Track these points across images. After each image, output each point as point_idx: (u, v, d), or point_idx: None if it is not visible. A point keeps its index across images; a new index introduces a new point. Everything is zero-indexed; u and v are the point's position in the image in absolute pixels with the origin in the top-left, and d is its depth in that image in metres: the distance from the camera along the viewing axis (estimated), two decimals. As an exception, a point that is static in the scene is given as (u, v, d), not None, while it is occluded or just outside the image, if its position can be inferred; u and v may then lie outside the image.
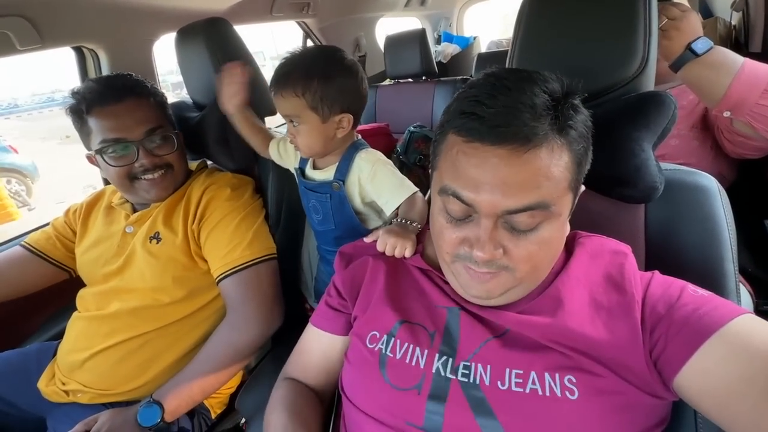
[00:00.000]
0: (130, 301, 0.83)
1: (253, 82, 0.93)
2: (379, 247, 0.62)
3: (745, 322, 0.40)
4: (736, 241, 0.55)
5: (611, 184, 0.61)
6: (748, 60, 0.77)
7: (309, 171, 0.88)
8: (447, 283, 0.54)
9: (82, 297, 0.90)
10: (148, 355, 0.82)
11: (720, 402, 0.39)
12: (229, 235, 0.84)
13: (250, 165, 1.00)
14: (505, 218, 0.43)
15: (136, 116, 0.81)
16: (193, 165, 0.99)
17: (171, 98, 1.00)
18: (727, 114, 0.85)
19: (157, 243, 0.84)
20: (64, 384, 0.82)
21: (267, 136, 0.95)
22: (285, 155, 0.92)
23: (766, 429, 0.35)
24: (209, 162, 1.05)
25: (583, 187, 0.50)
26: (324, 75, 0.73)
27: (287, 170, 0.97)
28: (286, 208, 0.98)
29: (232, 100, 0.89)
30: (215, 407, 0.89)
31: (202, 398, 0.79)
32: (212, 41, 0.94)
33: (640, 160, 0.57)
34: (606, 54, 0.62)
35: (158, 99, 0.89)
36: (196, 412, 0.84)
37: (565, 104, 0.43)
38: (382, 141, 1.64)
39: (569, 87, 0.45)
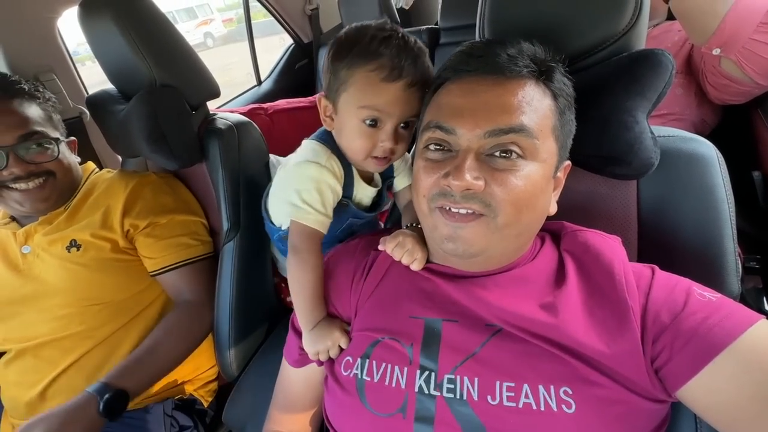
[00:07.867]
0: (68, 319, 0.77)
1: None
2: (396, 255, 0.53)
3: (760, 333, 0.36)
4: (735, 216, 0.51)
5: (602, 163, 0.54)
6: None
7: (361, 193, 0.66)
8: (437, 274, 0.50)
9: None
10: (107, 356, 0.79)
11: (728, 420, 0.36)
12: (171, 231, 0.84)
13: (194, 161, 0.87)
14: (487, 150, 0.43)
15: (6, 120, 0.74)
16: (84, 168, 0.90)
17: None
18: (716, 52, 0.82)
19: (78, 251, 0.78)
20: None
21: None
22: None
23: None
24: (149, 162, 0.93)
25: (569, 162, 0.49)
26: None
27: (244, 166, 0.86)
28: (245, 205, 0.87)
29: None
30: (205, 396, 0.90)
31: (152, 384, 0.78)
32: (122, 16, 0.76)
33: (634, 135, 0.50)
34: (591, 6, 0.52)
35: (39, 102, 0.80)
36: (193, 409, 0.86)
37: (546, 62, 0.46)
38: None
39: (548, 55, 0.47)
